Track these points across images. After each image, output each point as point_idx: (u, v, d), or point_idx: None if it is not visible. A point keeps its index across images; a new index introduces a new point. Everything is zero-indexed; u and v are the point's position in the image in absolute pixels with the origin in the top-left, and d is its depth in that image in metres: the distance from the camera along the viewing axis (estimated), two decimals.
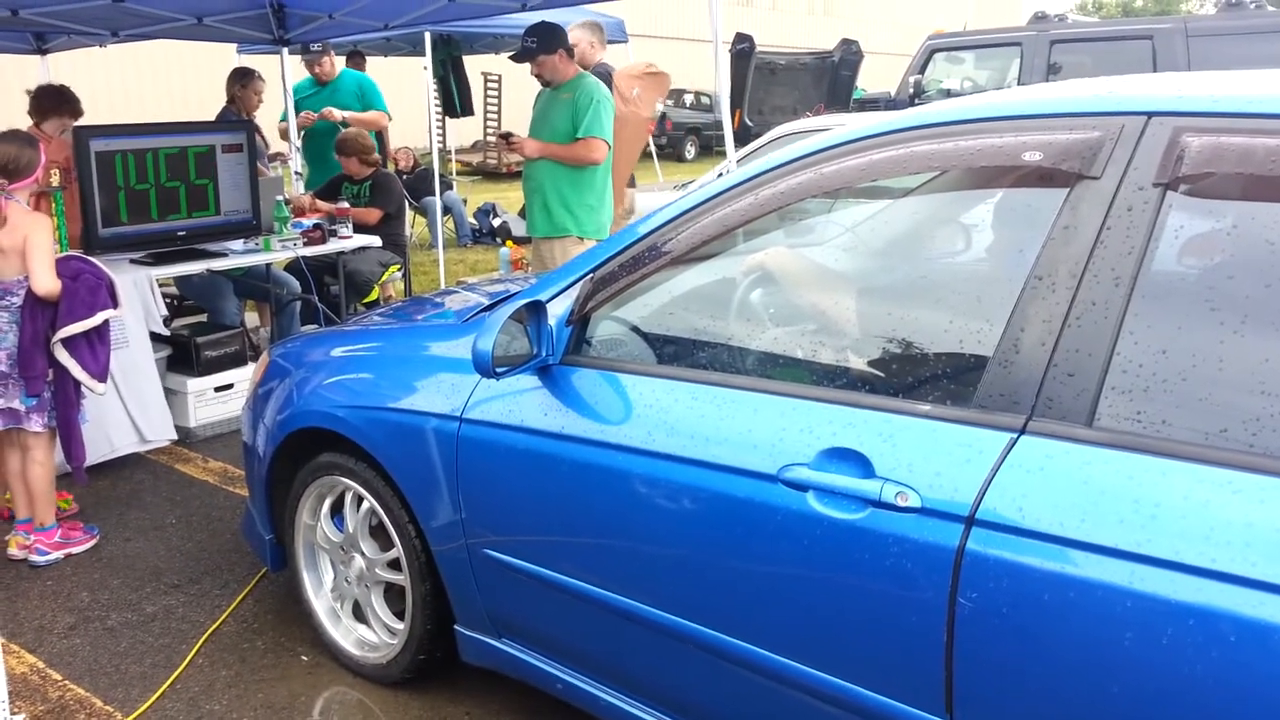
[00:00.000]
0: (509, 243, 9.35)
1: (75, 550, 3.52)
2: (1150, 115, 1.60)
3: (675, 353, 2.23)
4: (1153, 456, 1.45)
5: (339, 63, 6.79)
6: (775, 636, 1.81)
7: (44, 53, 7.25)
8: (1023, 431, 1.57)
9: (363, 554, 2.73)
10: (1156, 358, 1.51)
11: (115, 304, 3.42)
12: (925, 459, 1.63)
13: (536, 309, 2.12)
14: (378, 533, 2.71)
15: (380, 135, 6.64)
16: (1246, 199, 1.55)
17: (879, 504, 1.65)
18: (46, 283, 3.25)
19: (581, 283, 2.20)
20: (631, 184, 6.11)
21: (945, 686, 1.61)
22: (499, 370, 2.06)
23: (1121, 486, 1.45)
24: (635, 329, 2.24)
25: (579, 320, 2.18)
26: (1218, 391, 1.48)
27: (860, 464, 1.69)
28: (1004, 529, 1.53)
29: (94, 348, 3.36)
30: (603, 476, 2.02)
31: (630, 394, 2.05)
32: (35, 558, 3.42)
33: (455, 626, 2.52)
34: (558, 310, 2.20)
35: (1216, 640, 1.34)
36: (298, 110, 6.46)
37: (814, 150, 1.94)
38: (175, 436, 4.54)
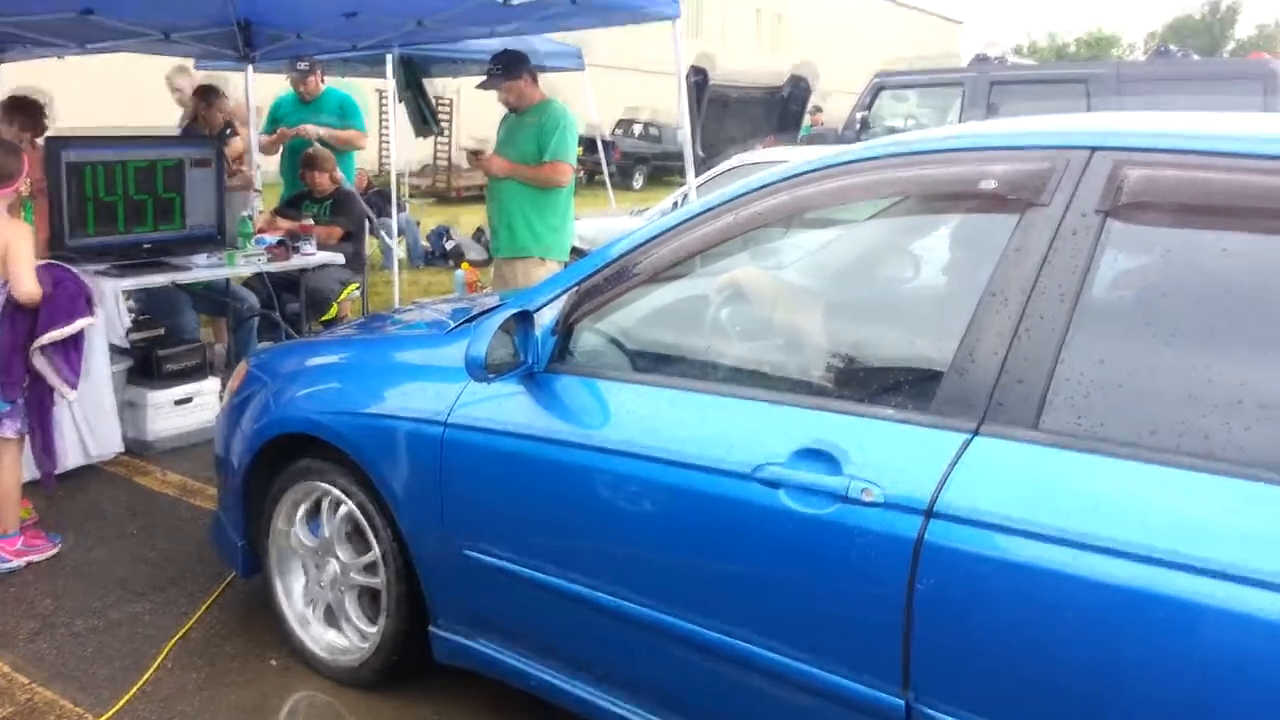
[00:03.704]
0: (464, 264, 9.42)
1: (37, 558, 3.51)
2: (1094, 149, 1.77)
3: (655, 362, 2.36)
4: (1092, 455, 1.61)
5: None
6: (747, 625, 1.93)
7: None
8: (976, 433, 1.72)
9: (338, 559, 2.80)
10: (1096, 367, 1.68)
11: (92, 312, 3.46)
12: (889, 457, 1.78)
13: (524, 319, 2.24)
14: (353, 537, 2.77)
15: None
16: (1179, 226, 1.73)
17: (846, 499, 1.79)
18: (29, 287, 3.28)
19: (567, 295, 2.32)
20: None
21: (903, 666, 1.74)
22: (491, 375, 2.17)
23: (1064, 482, 1.61)
24: (616, 340, 2.36)
25: (564, 330, 2.30)
26: (1149, 398, 1.65)
27: (829, 462, 1.83)
28: (959, 520, 1.67)
29: (69, 355, 3.40)
30: (585, 476, 2.13)
31: (611, 399, 2.18)
32: None
33: (430, 627, 2.60)
34: (544, 320, 2.31)
35: (1150, 618, 1.49)
36: (278, 125, 6.49)
37: (789, 174, 2.09)
38: (121, 449, 4.51)
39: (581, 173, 20.31)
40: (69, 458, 4.26)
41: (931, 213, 2.29)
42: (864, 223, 2.48)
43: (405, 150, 14.26)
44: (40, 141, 4.73)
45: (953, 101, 9.32)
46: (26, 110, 4.81)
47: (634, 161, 22.45)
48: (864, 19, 41.02)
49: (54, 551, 3.58)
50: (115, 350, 4.56)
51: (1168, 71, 8.16)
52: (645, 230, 2.27)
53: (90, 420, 4.33)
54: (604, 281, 2.26)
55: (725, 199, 2.14)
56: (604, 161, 12.79)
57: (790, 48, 35.79)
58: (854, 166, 2.01)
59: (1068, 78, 8.62)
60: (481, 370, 2.11)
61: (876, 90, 9.45)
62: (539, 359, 2.26)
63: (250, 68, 6.41)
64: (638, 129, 23.97)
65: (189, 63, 6.71)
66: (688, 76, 10.72)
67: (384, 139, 15.36)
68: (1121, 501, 1.55)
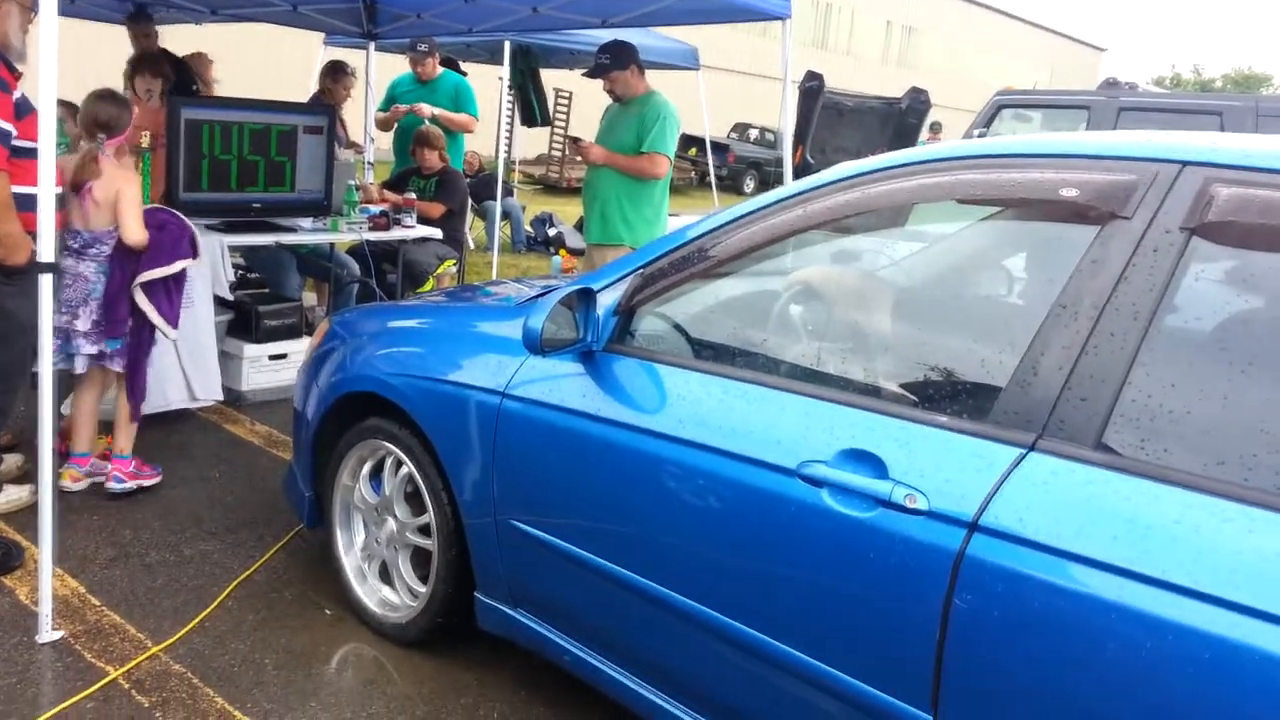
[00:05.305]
0: (562, 251, 9.54)
1: (146, 484, 3.73)
2: (1184, 164, 1.69)
3: (711, 351, 2.34)
4: (1151, 481, 1.53)
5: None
6: (776, 622, 1.90)
7: None
8: (1032, 448, 1.65)
9: (395, 517, 2.86)
10: (1165, 390, 1.59)
11: (195, 255, 3.67)
12: (937, 466, 1.72)
13: (586, 296, 2.24)
14: (412, 499, 2.84)
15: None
16: (1267, 249, 1.63)
17: (889, 504, 1.74)
18: (137, 233, 3.49)
19: (631, 277, 2.32)
20: None
21: (934, 683, 1.69)
22: (546, 350, 2.18)
23: (1119, 506, 1.53)
24: (676, 325, 2.35)
25: (625, 311, 2.30)
26: (1220, 428, 1.55)
27: (875, 466, 1.78)
28: (1004, 537, 1.61)
29: (170, 295, 3.62)
30: (632, 459, 2.13)
31: (666, 384, 2.17)
32: (113, 485, 3.65)
33: (475, 593, 2.64)
34: (606, 300, 2.32)
35: (1192, 657, 1.41)
36: (394, 103, 6.68)
37: (864, 170, 2.05)
38: (222, 397, 4.72)
39: (694, 173, 20.39)
40: (174, 399, 4.49)
41: (1005, 219, 2.21)
42: (932, 226, 2.41)
43: (520, 138, 14.54)
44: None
45: (1078, 125, 8.99)
46: (154, 64, 5.05)
47: (747, 166, 22.36)
48: (1000, 39, 40.00)
49: (158, 479, 3.79)
50: (219, 302, 4.76)
51: None
52: (713, 219, 2.25)
53: (196, 365, 4.54)
54: (668, 266, 2.25)
55: (795, 192, 2.11)
56: (710, 163, 12.78)
57: (919, 64, 35.16)
58: (929, 166, 1.95)
59: (1202, 108, 8.20)
60: (537, 344, 2.13)
61: (996, 109, 9.18)
62: (598, 338, 2.27)
63: (372, 45, 6.61)
64: (753, 134, 23.90)
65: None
66: (803, 81, 10.68)
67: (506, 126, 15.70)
68: (1179, 534, 1.47)
